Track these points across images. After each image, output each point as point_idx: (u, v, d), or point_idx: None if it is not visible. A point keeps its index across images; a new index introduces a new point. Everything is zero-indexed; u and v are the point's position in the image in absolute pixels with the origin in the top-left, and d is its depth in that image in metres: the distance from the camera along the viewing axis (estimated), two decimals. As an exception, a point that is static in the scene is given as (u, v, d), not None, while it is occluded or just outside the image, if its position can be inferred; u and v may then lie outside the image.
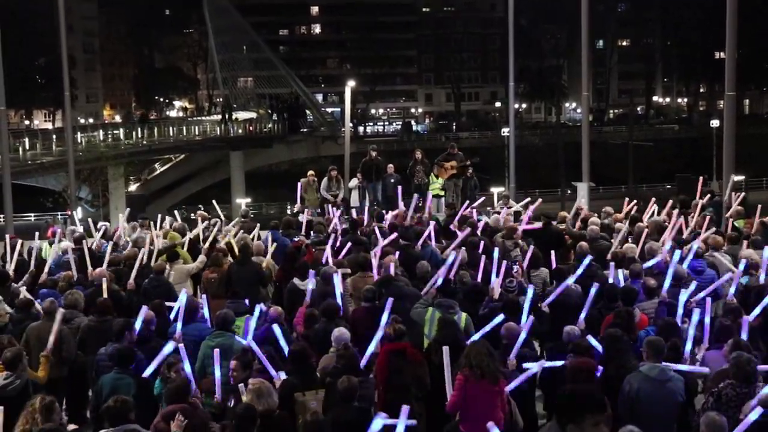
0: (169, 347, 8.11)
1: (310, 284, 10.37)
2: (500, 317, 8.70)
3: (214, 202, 17.53)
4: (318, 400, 7.59)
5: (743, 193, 16.44)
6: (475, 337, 8.52)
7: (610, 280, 10.28)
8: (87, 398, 9.38)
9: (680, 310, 9.00)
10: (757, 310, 9.10)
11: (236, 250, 12.60)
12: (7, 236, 14.17)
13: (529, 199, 16.72)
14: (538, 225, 13.85)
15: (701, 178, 16.93)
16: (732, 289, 9.85)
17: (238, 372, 7.83)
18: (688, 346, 8.14)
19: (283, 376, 7.93)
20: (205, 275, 11.95)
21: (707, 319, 8.51)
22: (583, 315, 9.18)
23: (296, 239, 13.16)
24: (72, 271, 11.67)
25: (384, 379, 8.02)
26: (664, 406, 7.25)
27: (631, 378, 7.44)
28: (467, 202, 16.58)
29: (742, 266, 10.38)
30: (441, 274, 10.04)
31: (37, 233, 14.11)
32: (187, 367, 7.98)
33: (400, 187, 17.33)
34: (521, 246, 12.50)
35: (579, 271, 10.36)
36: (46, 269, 12.24)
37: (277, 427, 6.97)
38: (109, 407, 6.70)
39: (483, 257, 11.29)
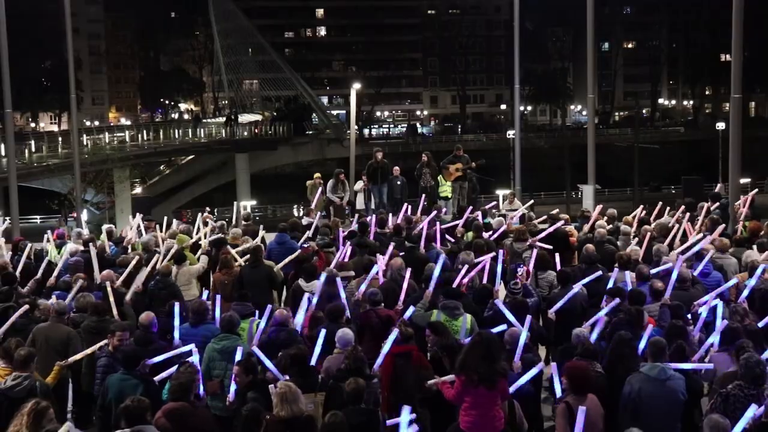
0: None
1: (317, 286, 10.35)
2: (503, 327, 8.67)
3: (212, 211, 17.47)
4: (314, 402, 7.55)
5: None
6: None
7: (610, 284, 10.21)
8: (91, 399, 9.36)
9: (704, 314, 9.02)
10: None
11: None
12: None
13: (532, 201, 16.64)
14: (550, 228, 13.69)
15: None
16: (745, 292, 9.78)
17: (240, 377, 7.78)
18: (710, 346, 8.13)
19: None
20: (217, 277, 11.91)
21: (718, 322, 8.50)
22: (590, 322, 9.09)
23: (306, 245, 13.09)
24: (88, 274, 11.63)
25: (388, 382, 8.01)
26: (667, 405, 7.24)
27: (631, 379, 7.43)
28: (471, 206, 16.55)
29: (759, 270, 10.22)
30: (434, 278, 9.98)
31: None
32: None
33: None
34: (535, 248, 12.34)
35: (584, 281, 10.34)
36: (56, 272, 12.21)
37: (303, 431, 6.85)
38: (126, 407, 6.69)
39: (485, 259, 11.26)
